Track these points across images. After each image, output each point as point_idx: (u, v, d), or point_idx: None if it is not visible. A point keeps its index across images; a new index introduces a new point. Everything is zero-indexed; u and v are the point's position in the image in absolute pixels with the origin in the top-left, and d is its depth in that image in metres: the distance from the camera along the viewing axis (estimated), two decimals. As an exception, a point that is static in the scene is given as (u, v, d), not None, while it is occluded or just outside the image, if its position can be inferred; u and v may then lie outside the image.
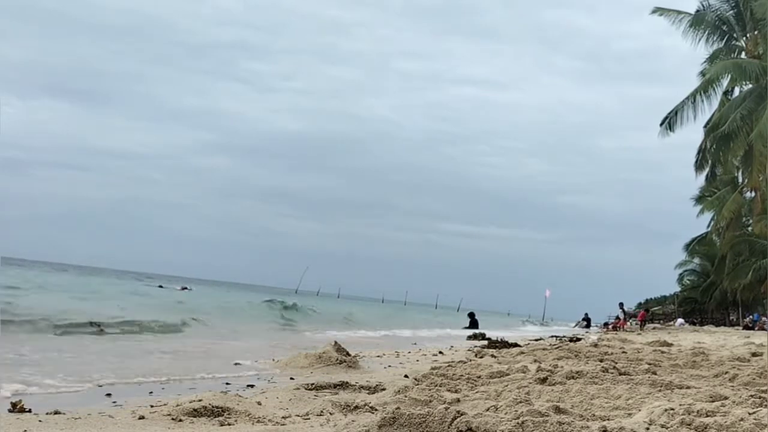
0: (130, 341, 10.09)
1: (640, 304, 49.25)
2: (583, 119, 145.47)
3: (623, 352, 9.60)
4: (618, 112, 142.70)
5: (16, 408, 4.08)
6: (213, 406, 4.05)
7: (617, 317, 35.91)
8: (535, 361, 7.55)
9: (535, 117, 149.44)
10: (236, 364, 7.58)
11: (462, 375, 5.78)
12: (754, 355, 9.12)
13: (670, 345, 12.38)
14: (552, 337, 20.03)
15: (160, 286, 39.73)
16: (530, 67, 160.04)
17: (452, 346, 13.16)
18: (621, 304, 34.99)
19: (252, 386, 5.66)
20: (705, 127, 35.23)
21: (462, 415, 3.10)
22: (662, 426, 3.24)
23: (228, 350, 9.67)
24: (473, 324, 26.10)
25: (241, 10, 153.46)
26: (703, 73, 35.71)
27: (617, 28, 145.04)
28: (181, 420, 3.89)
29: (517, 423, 2.98)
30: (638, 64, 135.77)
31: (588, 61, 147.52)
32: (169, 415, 3.97)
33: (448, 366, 7.18)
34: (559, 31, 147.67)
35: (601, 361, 7.18)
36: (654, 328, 31.97)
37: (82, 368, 6.43)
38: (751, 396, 4.16)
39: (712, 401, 4.06)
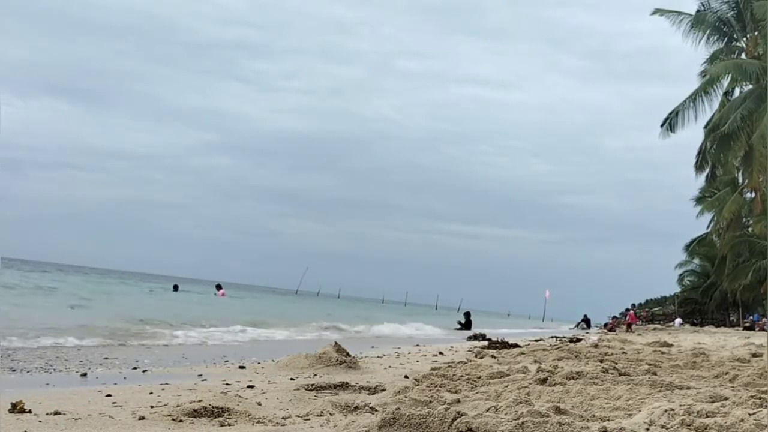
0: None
1: (640, 304, 49.37)
2: (586, 119, 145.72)
3: (623, 352, 9.60)
4: (622, 112, 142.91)
5: (16, 408, 4.07)
6: (213, 407, 4.05)
7: (614, 317, 36.06)
8: (536, 361, 7.56)
9: (538, 116, 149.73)
10: (241, 367, 7.56)
11: (462, 375, 5.77)
12: (754, 355, 9.13)
13: (670, 345, 12.40)
14: (552, 337, 20.01)
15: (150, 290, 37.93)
16: (534, 66, 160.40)
17: (452, 347, 13.15)
18: (633, 305, 35.34)
19: (252, 386, 5.65)
20: (705, 127, 35.24)
21: (462, 415, 3.10)
22: (662, 426, 3.24)
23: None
24: (467, 324, 26.14)
25: (244, 9, 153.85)
26: (703, 74, 35.72)
27: (622, 27, 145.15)
28: (181, 420, 3.89)
29: (517, 423, 2.98)
30: (643, 63, 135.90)
31: (592, 60, 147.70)
32: (169, 415, 3.97)
33: (448, 366, 7.18)
34: (563, 30, 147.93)
35: (601, 361, 7.18)
36: (654, 329, 31.99)
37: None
38: (752, 397, 4.16)
39: (713, 402, 4.05)
